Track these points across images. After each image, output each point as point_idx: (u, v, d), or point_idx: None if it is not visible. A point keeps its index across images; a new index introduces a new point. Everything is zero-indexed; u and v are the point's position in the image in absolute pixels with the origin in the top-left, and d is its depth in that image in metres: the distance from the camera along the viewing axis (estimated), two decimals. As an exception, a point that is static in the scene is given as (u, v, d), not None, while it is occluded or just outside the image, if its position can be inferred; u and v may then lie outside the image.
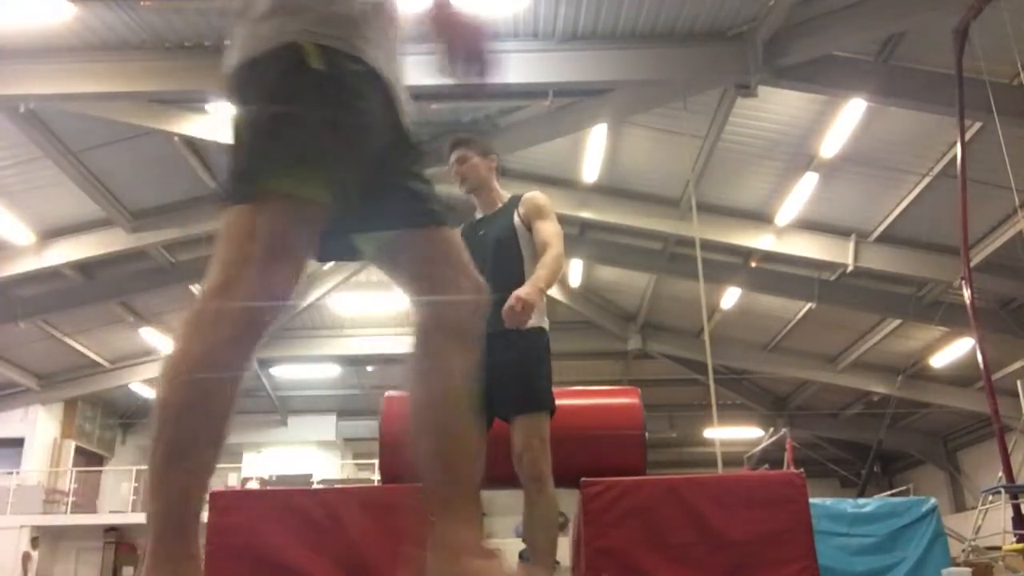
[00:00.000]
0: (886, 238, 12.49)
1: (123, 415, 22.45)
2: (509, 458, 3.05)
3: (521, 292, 2.86)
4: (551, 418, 3.09)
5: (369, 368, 20.36)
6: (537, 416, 3.03)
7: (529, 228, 3.16)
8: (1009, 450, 9.23)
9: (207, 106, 10.94)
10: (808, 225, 12.79)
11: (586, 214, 13.17)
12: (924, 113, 9.78)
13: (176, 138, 11.37)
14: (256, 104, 1.33)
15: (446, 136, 13.33)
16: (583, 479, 3.43)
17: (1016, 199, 9.04)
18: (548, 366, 3.16)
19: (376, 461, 4.24)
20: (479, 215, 3.37)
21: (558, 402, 3.13)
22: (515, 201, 3.29)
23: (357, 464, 23.14)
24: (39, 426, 19.48)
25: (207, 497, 3.06)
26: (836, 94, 9.85)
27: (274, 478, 17.20)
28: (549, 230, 3.12)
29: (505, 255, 3.13)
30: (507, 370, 2.95)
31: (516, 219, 3.18)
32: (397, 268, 1.59)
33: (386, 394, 3.93)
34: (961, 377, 16.14)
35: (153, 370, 19.16)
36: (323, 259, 1.54)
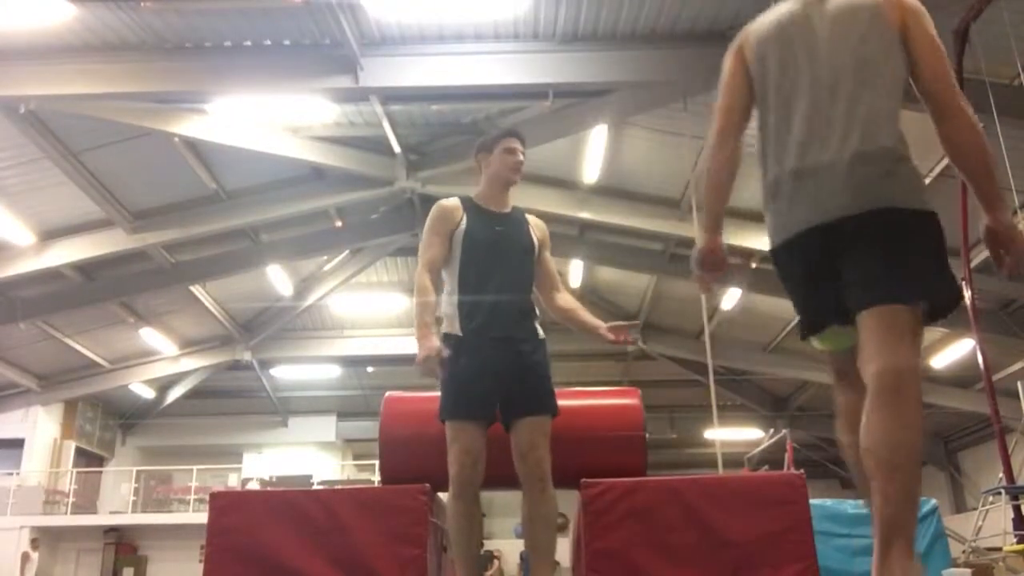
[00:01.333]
0: (886, 239, 12.47)
1: (123, 416, 22.43)
2: (508, 459, 3.07)
3: (602, 327, 3.30)
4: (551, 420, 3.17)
5: (369, 369, 20.36)
6: (543, 418, 3.12)
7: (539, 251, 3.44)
8: (1009, 451, 9.24)
9: (207, 106, 10.94)
10: (808, 226, 12.75)
11: (586, 215, 13.16)
12: (924, 113, 9.74)
13: (176, 138, 11.37)
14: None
15: (446, 137, 13.30)
16: (583, 480, 3.42)
17: (1016, 200, 9.02)
18: (550, 372, 3.27)
19: (376, 462, 4.23)
20: (487, 207, 3.33)
21: (558, 403, 3.21)
22: (522, 214, 3.42)
23: (357, 465, 23.14)
24: (39, 427, 19.48)
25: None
26: (836, 94, 9.82)
27: (274, 479, 17.19)
28: (554, 263, 3.53)
29: (527, 264, 3.32)
30: (516, 373, 3.10)
31: (534, 239, 3.37)
32: None
33: (386, 395, 3.92)
34: (961, 378, 16.13)
35: (153, 370, 19.17)
36: None
